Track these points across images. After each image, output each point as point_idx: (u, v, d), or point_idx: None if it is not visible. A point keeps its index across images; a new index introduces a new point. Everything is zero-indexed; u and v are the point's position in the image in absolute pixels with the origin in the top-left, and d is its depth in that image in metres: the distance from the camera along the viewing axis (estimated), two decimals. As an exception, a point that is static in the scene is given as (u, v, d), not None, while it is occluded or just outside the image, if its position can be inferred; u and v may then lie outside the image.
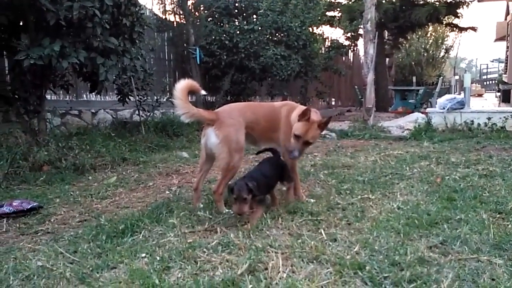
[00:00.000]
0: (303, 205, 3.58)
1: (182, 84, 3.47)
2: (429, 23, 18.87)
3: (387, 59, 20.42)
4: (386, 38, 19.36)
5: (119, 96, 7.80)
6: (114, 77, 6.23)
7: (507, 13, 20.81)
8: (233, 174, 3.63)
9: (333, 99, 18.00)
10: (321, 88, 14.88)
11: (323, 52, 14.49)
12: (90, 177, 5.13)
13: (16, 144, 5.37)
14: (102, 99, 8.94)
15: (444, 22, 19.10)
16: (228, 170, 3.51)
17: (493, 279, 2.26)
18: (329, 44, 15.39)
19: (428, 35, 25.99)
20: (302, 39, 11.81)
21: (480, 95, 26.09)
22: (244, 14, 11.43)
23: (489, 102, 19.18)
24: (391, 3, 16.66)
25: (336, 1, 18.16)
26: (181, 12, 10.66)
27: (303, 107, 3.82)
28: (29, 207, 3.69)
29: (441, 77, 20.20)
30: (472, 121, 8.41)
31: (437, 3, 16.88)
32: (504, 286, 2.17)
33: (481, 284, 2.19)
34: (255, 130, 3.74)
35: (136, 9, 6.52)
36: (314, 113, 3.59)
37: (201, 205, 3.67)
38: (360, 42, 17.07)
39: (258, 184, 3.18)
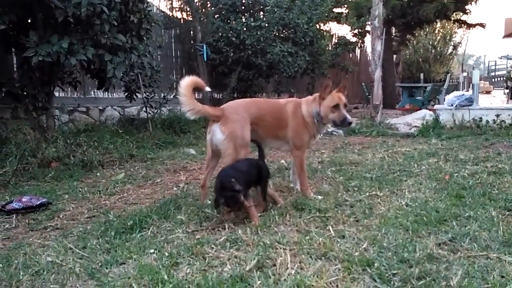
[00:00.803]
0: (311, 201, 3.58)
1: (187, 81, 3.47)
2: (437, 20, 18.72)
3: (395, 56, 20.28)
4: (394, 34, 19.23)
5: (126, 93, 7.84)
6: (121, 74, 6.24)
7: (516, 9, 20.63)
8: None
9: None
10: (328, 85, 14.80)
11: (330, 49, 14.48)
12: (98, 174, 5.15)
13: (24, 140, 5.41)
14: (110, 96, 8.99)
15: (452, 19, 18.94)
16: (234, 166, 3.51)
17: (502, 276, 2.24)
18: (336, 41, 15.38)
19: (436, 31, 25.79)
20: (309, 35, 11.79)
21: (488, 92, 25.92)
22: (251, 11, 11.43)
23: (498, 99, 19.05)
24: (399, -1, 16.55)
25: (343, -3, 18.07)
26: (188, 9, 10.69)
27: (309, 97, 3.92)
28: (38, 203, 3.71)
29: (449, 74, 20.07)
30: (481, 118, 8.35)
31: (445, -1, 16.75)
32: (514, 283, 2.15)
33: (490, 281, 2.18)
34: (260, 126, 3.74)
35: (144, 6, 6.54)
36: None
37: (209, 202, 3.66)
38: (368, 39, 16.99)
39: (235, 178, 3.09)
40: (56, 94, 6.89)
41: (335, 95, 3.68)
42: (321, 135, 3.96)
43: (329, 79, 3.78)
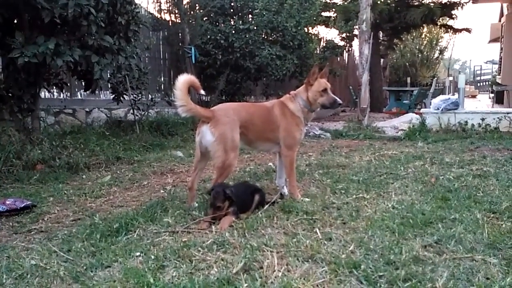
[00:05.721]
0: (298, 204, 3.57)
1: (185, 78, 3.47)
2: (424, 24, 18.91)
3: (382, 60, 20.43)
4: (381, 39, 19.38)
5: (113, 95, 7.77)
6: (108, 76, 6.20)
7: (501, 14, 20.95)
8: (228, 172, 3.63)
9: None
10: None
11: (318, 52, 14.54)
12: (84, 176, 5.10)
13: (9, 142, 5.31)
14: (97, 98, 8.91)
15: (439, 23, 19.14)
16: (224, 168, 3.51)
17: (487, 278, 2.26)
18: (324, 45, 15.43)
19: (423, 36, 26.05)
20: (297, 39, 11.82)
21: (473, 97, 26.24)
22: (240, 14, 11.43)
23: (483, 103, 19.29)
24: (386, 4, 16.66)
25: (332, 1, 18.15)
26: (176, 11, 10.65)
27: (287, 96, 4.05)
28: (22, 205, 3.67)
29: (435, 78, 20.26)
30: (466, 121, 8.44)
31: (432, 4, 16.91)
32: (498, 285, 2.17)
33: (475, 283, 2.20)
34: (250, 130, 3.74)
35: (132, 8, 6.49)
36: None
37: (196, 204, 3.66)
38: (355, 43, 17.14)
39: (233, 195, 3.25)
40: (42, 95, 6.81)
41: (321, 81, 3.86)
42: (309, 124, 4.12)
43: (316, 66, 3.94)
